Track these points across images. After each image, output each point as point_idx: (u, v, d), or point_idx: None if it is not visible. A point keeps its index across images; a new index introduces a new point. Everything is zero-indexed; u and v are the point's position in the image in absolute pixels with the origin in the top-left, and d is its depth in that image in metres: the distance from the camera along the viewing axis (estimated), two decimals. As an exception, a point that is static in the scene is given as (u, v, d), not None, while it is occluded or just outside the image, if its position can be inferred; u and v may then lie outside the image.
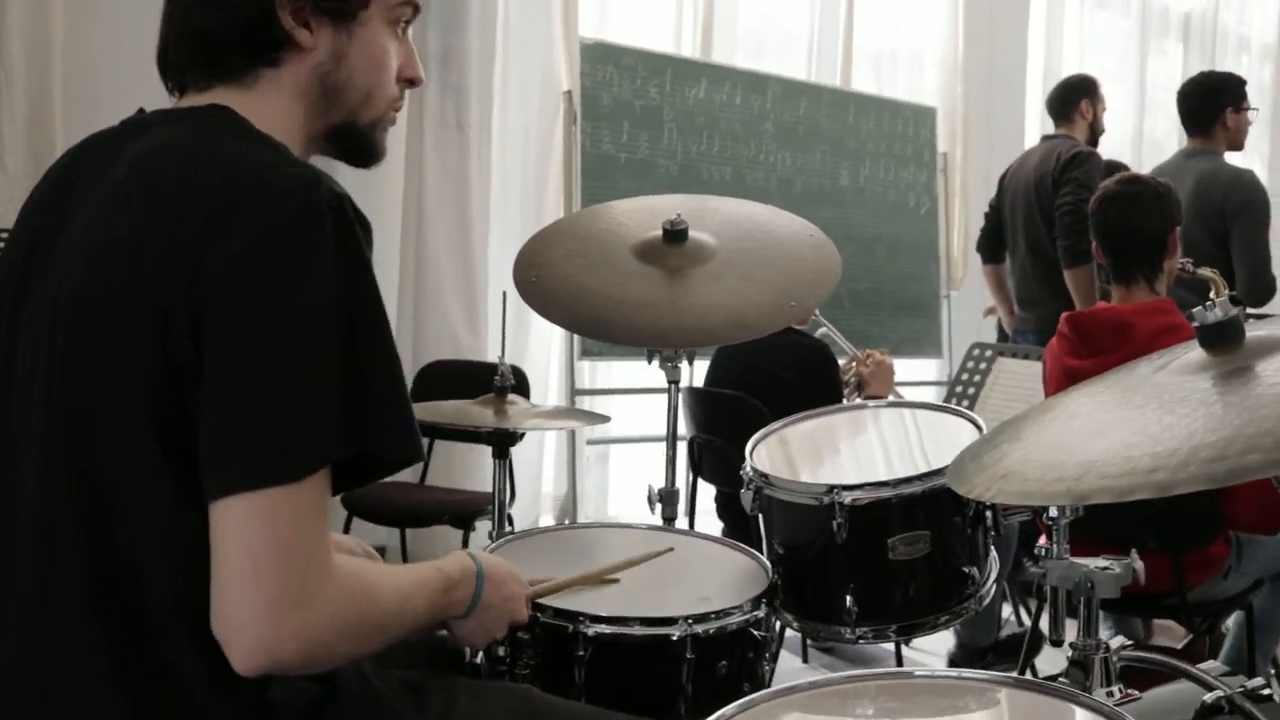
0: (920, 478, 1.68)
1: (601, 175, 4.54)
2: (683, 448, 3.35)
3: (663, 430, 2.15)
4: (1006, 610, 3.65)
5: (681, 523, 3.12)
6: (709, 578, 1.72)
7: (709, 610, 1.56)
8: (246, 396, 1.01)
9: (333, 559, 1.06)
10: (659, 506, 2.09)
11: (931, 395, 5.62)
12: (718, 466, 3.25)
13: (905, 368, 5.39)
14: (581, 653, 1.50)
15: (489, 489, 3.68)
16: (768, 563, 1.75)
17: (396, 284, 4.11)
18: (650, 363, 2.09)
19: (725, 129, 4.93)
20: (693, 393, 3.35)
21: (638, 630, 1.52)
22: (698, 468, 3.35)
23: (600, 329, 1.88)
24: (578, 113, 4.50)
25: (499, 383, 2.02)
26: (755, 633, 1.59)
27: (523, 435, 2.86)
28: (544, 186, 4.57)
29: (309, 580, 1.02)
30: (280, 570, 1.00)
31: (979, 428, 1.81)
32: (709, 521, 3.40)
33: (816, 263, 2.04)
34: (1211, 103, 4.01)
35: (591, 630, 1.51)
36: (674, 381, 2.09)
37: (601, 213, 2.22)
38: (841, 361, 3.39)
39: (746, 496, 1.77)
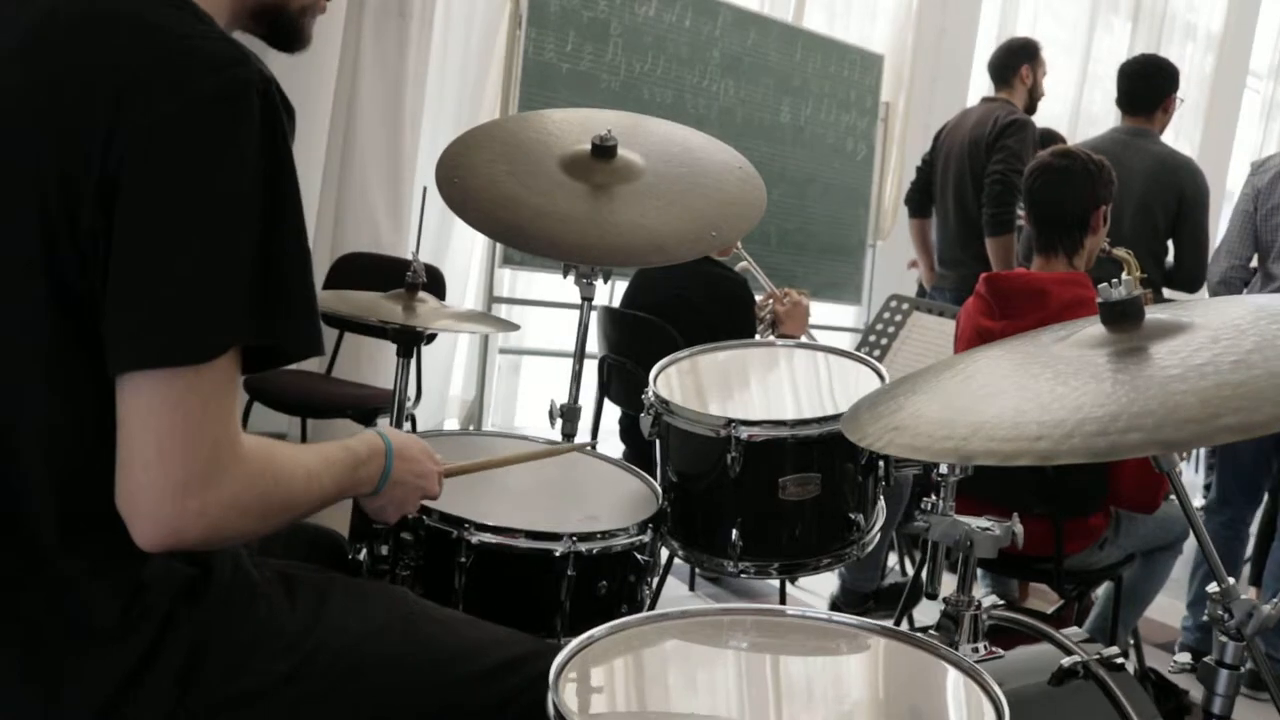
0: (818, 421, 1.69)
1: (542, 83, 4.46)
2: (593, 367, 3.38)
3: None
4: (893, 560, 3.73)
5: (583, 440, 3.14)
6: (600, 498, 1.73)
7: (595, 530, 1.56)
8: (159, 272, 0.99)
9: (240, 440, 1.05)
10: (559, 422, 2.08)
11: (846, 341, 5.66)
12: (625, 389, 3.25)
13: (824, 311, 5.48)
14: (464, 559, 1.50)
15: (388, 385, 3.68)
16: (659, 489, 1.76)
17: (321, 170, 4.03)
18: (566, 277, 2.07)
19: (671, 51, 4.89)
20: (608, 313, 3.34)
21: (522, 543, 1.53)
22: (605, 388, 3.35)
23: (517, 237, 1.84)
24: (523, 16, 4.43)
25: (410, 279, 1.98)
26: (639, 556, 1.61)
27: (431, 336, 2.86)
28: (482, 87, 4.48)
29: (215, 462, 1.01)
30: (187, 452, 0.99)
31: (882, 378, 1.82)
32: (612, 443, 3.41)
33: (742, 196, 2.03)
34: (1158, 87, 4.03)
35: (475, 538, 1.51)
36: (588, 299, 2.07)
37: (533, 120, 2.18)
38: (759, 298, 3.39)
39: (645, 421, 1.77)
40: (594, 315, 3.23)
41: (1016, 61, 4.48)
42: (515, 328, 2.13)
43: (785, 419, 1.70)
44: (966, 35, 6.15)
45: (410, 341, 1.92)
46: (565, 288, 2.22)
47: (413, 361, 2.05)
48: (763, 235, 5.16)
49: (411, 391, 3.57)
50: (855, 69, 5.64)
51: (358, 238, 4.07)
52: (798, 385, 1.96)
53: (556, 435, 2.11)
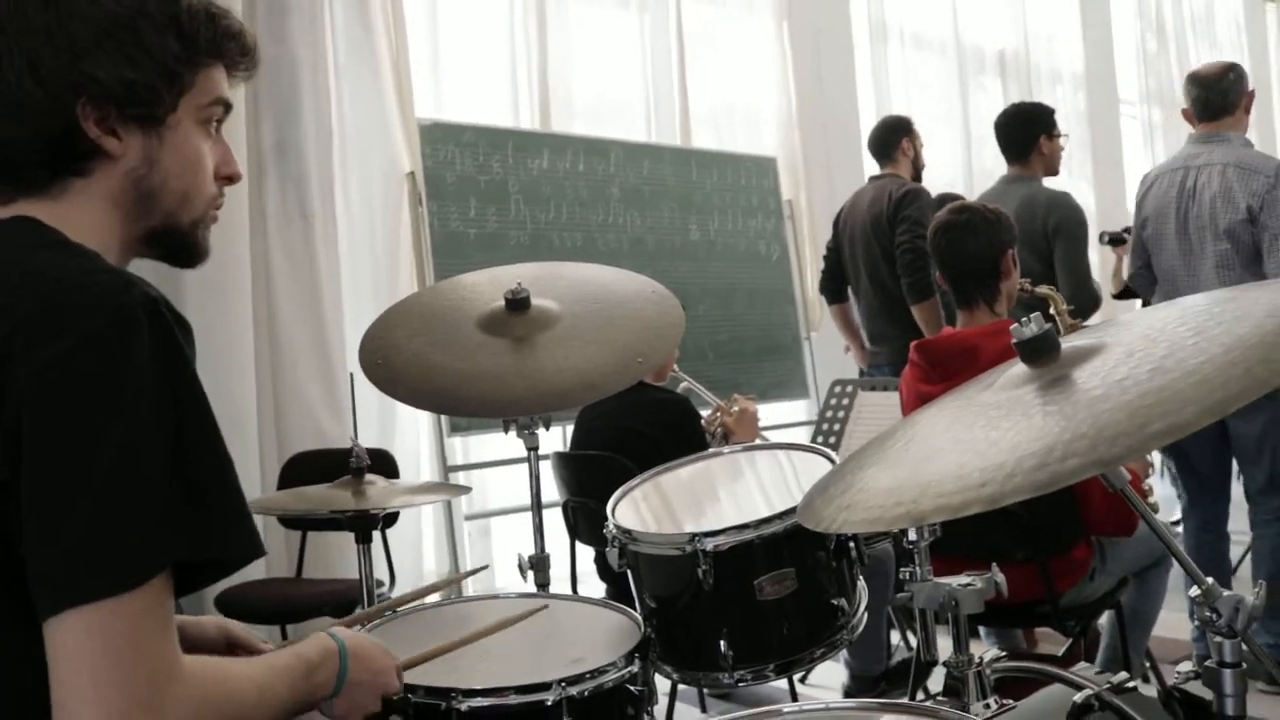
0: (779, 517, 1.70)
1: (452, 252, 4.52)
2: (558, 514, 3.36)
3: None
4: (896, 637, 3.69)
5: (564, 588, 3.11)
6: (582, 638, 1.71)
7: (583, 670, 1.55)
8: (68, 511, 0.98)
9: (179, 663, 1.03)
10: (530, 574, 2.06)
11: (802, 435, 5.52)
12: (593, 528, 3.20)
13: (775, 411, 5.49)
14: (458, 730, 1.47)
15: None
16: (639, 617, 1.74)
17: (254, 378, 4.02)
18: (508, 433, 2.08)
19: (572, 196, 4.98)
20: (560, 458, 3.34)
21: (513, 699, 1.51)
22: (574, 530, 3.33)
23: (449, 403, 1.87)
24: (422, 193, 4.51)
25: (355, 464, 1.98)
26: (631, 688, 1.59)
27: (391, 517, 2.84)
28: (395, 268, 4.54)
29: (155, 690, 0.99)
30: (122, 684, 0.97)
31: (832, 461, 1.84)
32: (592, 584, 3.38)
33: (660, 318, 2.06)
34: (1025, 131, 4.20)
35: (465, 705, 1.49)
36: (533, 449, 2.08)
37: (446, 289, 2.23)
38: (705, 413, 3.41)
39: (612, 554, 1.77)
40: (548, 463, 3.37)
41: (895, 137, 4.65)
42: (465, 490, 2.14)
43: (747, 521, 1.70)
44: (849, 121, 6.32)
45: (366, 526, 1.92)
46: (515, 443, 2.22)
47: (376, 546, 2.04)
48: (698, 351, 5.20)
49: (384, 575, 3.62)
50: (751, 175, 5.77)
51: (302, 436, 4.06)
52: (765, 486, 1.98)
53: (531, 587, 2.09)
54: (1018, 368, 1.37)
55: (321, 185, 4.24)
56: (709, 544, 1.67)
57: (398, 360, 1.99)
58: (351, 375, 1.93)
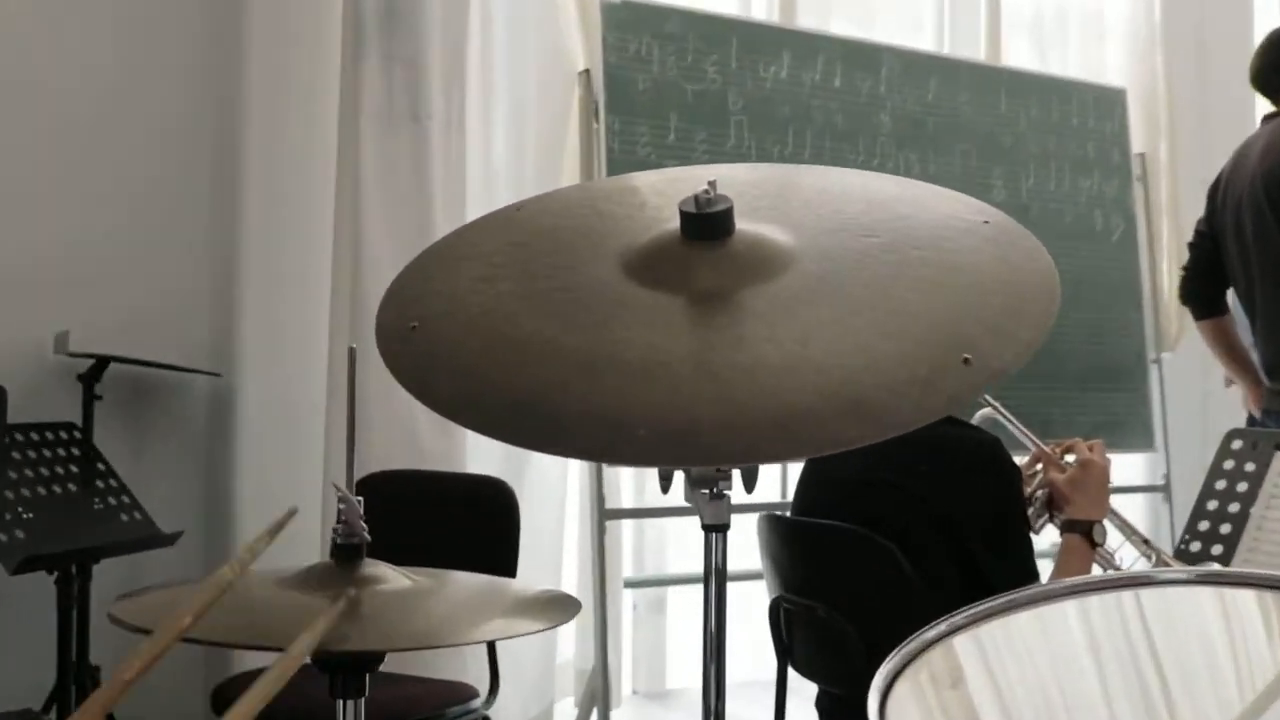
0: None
1: (637, 187, 4.10)
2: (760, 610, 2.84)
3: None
4: None
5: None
6: None
7: None
8: None
9: None
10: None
11: (1139, 507, 5.31)
12: (818, 650, 2.65)
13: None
14: None
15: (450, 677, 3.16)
16: None
17: (326, 348, 3.80)
18: (666, 492, 1.37)
19: (821, 122, 4.67)
20: (773, 525, 2.75)
21: None
22: (786, 648, 2.72)
23: (533, 426, 1.17)
24: (599, 102, 4.22)
25: (339, 538, 1.30)
26: None
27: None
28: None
29: None
30: None
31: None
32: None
33: (1009, 276, 1.41)
34: None
35: None
36: (715, 527, 1.37)
37: (562, 200, 1.69)
38: (1020, 462, 2.75)
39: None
40: (748, 521, 2.89)
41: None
42: (571, 612, 1.40)
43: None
44: (1240, 42, 5.74)
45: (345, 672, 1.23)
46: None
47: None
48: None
49: (482, 685, 3.20)
50: (1088, 112, 5.40)
51: (388, 443, 3.73)
52: (1108, 684, 1.21)
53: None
54: None
55: (447, 78, 4.03)
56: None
57: (445, 326, 1.38)
58: (352, 350, 1.31)
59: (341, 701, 1.30)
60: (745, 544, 2.97)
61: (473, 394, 1.32)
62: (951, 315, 1.32)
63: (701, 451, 1.24)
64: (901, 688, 1.16)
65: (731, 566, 1.45)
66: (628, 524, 4.66)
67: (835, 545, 2.58)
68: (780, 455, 1.29)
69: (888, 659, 1.19)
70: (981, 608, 1.26)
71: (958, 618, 1.27)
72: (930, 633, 1.24)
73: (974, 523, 2.46)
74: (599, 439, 1.21)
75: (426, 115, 3.89)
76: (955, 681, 1.19)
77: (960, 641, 1.23)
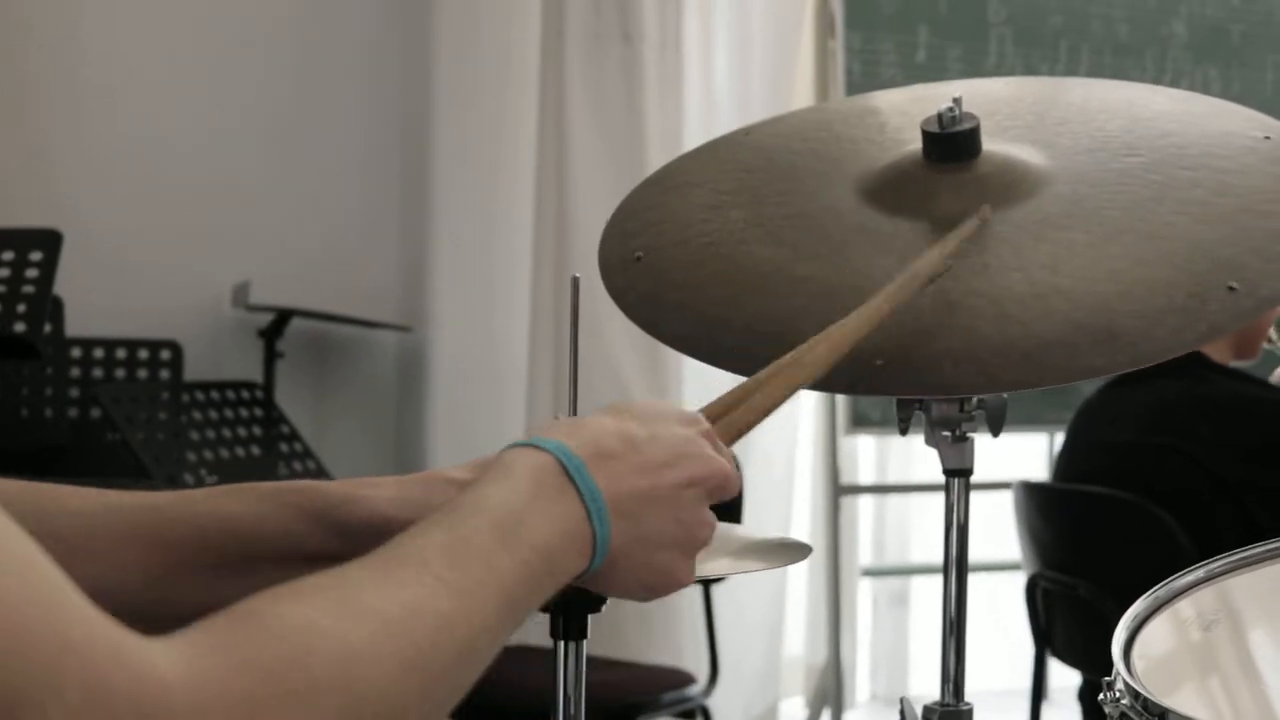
0: None
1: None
2: (1016, 588, 3.00)
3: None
4: None
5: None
6: None
7: None
8: None
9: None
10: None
11: None
12: (1080, 633, 2.76)
13: None
14: None
15: (667, 662, 3.32)
16: None
17: (529, 290, 3.98)
18: (905, 434, 1.50)
19: (1100, 34, 4.76)
20: (1030, 493, 2.81)
21: None
22: (1045, 636, 2.76)
23: (767, 355, 1.31)
24: (836, 16, 4.34)
25: None
26: None
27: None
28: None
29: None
30: None
31: None
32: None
33: None
34: None
35: None
36: (957, 471, 1.48)
37: (798, 122, 1.79)
38: None
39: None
40: (1015, 491, 3.10)
41: None
42: (802, 554, 1.53)
43: None
44: None
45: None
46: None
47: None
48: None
49: (702, 667, 3.43)
50: None
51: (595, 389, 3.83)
52: None
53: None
54: None
55: (663, -10, 4.23)
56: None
57: (672, 256, 1.53)
58: (575, 280, 1.46)
59: (563, 643, 1.46)
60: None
61: (705, 325, 1.47)
62: (1217, 239, 1.39)
63: (941, 382, 1.37)
64: (1150, 629, 1.29)
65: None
66: (866, 508, 4.72)
67: (1101, 515, 2.67)
68: (1023, 383, 1.41)
69: (1140, 599, 1.33)
70: (1237, 556, 1.39)
71: (1216, 564, 1.39)
72: (1187, 578, 1.36)
73: (1269, 495, 2.53)
74: (835, 369, 1.35)
75: (638, 35, 3.94)
76: (1209, 625, 1.31)
77: (1219, 588, 1.36)
